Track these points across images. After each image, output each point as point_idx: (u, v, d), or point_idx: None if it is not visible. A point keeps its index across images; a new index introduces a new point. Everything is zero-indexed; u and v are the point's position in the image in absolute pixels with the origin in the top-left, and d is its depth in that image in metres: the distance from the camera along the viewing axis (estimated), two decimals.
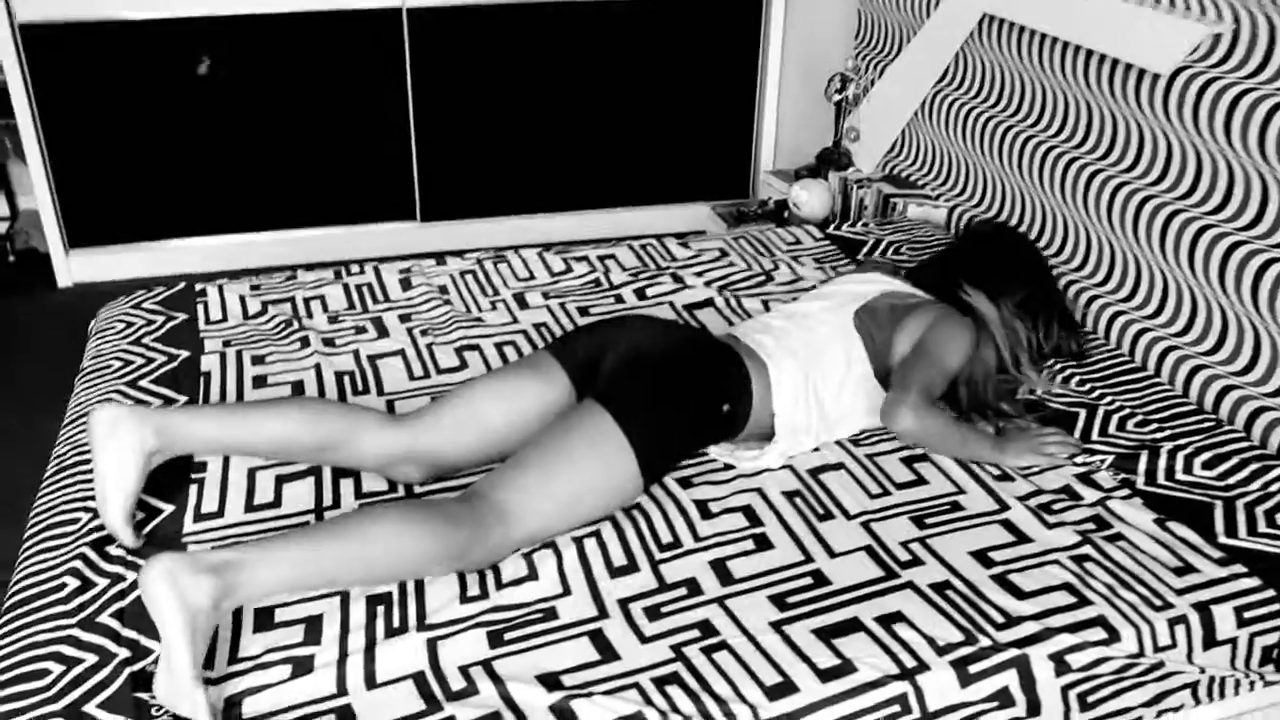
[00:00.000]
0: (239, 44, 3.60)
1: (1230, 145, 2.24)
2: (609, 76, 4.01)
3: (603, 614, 1.69)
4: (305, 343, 2.37)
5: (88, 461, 1.95)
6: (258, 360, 2.30)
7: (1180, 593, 1.77)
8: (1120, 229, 2.58)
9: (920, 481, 2.03)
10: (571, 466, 1.81)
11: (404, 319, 2.51)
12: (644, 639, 1.64)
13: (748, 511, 1.93)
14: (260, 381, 2.23)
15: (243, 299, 2.55)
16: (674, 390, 1.97)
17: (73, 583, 1.72)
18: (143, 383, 2.22)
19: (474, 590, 1.72)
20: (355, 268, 2.73)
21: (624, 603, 1.71)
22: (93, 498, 1.85)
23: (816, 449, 2.10)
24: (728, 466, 2.04)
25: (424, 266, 2.76)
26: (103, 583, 1.71)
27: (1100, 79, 2.58)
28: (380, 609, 1.67)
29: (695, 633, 1.66)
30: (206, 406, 1.91)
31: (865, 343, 2.16)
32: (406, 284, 2.66)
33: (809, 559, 1.82)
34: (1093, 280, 2.68)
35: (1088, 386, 2.35)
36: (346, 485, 1.93)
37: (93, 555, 1.76)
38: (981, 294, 2.25)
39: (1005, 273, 2.34)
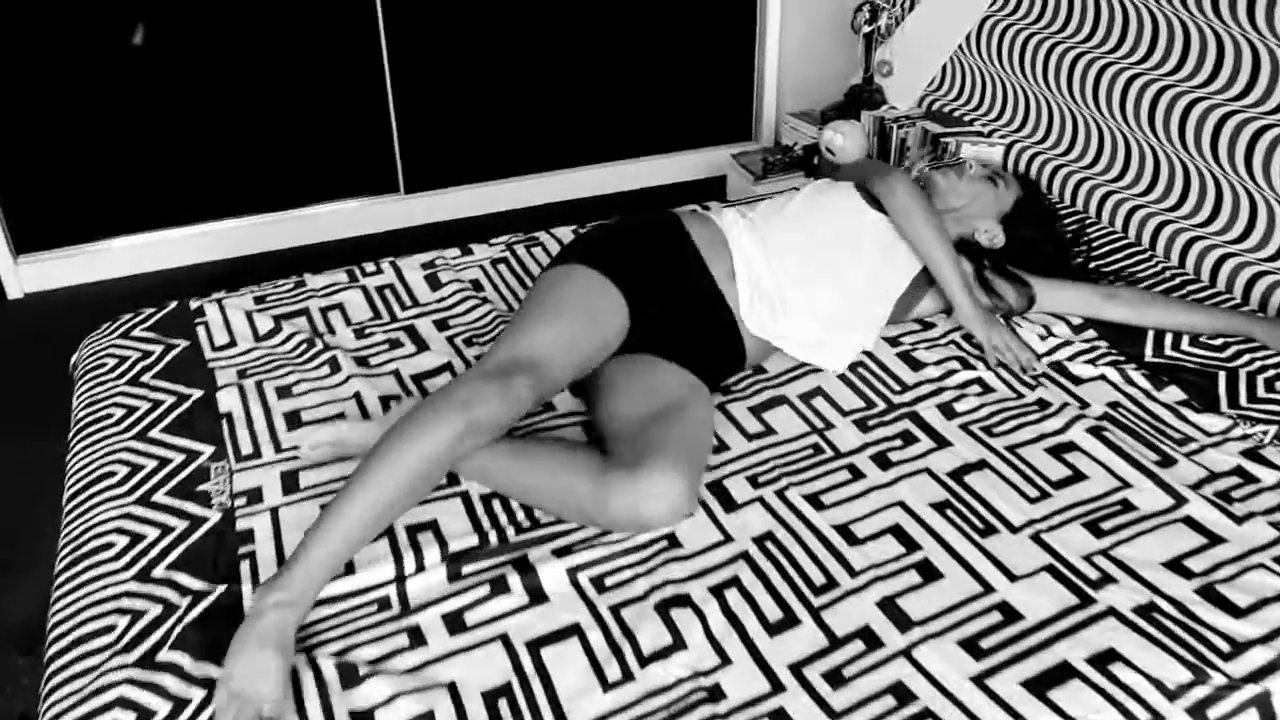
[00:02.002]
0: (184, 5, 3.18)
1: None
2: (595, 19, 3.65)
3: (777, 688, 1.41)
4: (335, 365, 2.04)
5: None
6: (284, 393, 1.97)
7: None
8: (1206, 154, 2.33)
9: (1079, 477, 1.78)
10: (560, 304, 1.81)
11: (440, 325, 2.19)
12: (835, 715, 1.37)
13: (898, 532, 1.67)
14: (294, 421, 1.90)
15: (249, 316, 2.20)
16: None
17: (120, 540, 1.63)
18: (154, 433, 1.88)
19: (613, 672, 1.43)
20: (370, 266, 2.38)
21: (797, 669, 1.44)
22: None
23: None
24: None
25: (448, 258, 2.42)
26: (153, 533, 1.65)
27: None
28: (503, 704, 1.39)
29: (890, 700, 1.39)
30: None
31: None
32: (434, 281, 2.33)
33: (988, 588, 1.57)
34: (1181, 213, 2.43)
35: (1220, 343, 2.10)
36: (425, 543, 1.63)
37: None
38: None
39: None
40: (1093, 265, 2.37)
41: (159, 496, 1.73)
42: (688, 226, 2.04)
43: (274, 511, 1.69)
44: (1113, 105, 2.56)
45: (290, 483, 1.75)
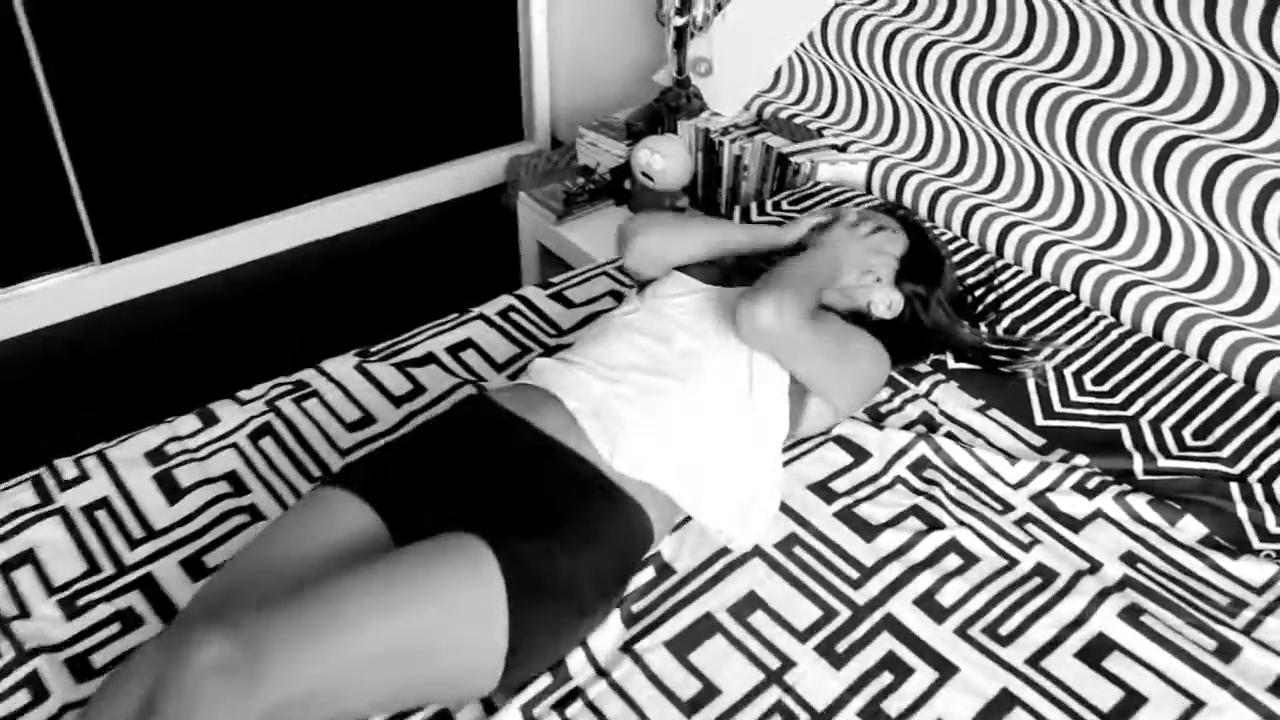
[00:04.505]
0: None
1: None
2: (321, 21, 2.88)
3: None
4: (38, 689, 1.31)
5: None
6: None
7: None
8: (1118, 169, 1.92)
9: (1135, 700, 1.34)
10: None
11: (193, 566, 1.48)
12: None
13: None
14: None
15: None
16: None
17: None
18: None
19: None
20: (70, 468, 1.62)
21: None
22: None
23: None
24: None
25: (183, 435, 1.69)
26: None
27: None
28: None
29: None
30: None
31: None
32: (170, 485, 1.60)
33: None
34: (1072, 233, 2.02)
35: (1216, 439, 1.69)
36: None
37: None
38: None
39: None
40: (993, 306, 1.94)
41: None
42: (493, 396, 1.53)
43: None
44: (994, 109, 2.10)
45: None
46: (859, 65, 2.34)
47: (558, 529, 1.32)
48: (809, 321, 1.50)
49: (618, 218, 2.55)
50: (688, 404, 1.49)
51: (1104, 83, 1.93)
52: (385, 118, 3.14)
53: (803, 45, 2.42)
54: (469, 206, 3.34)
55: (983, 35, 2.09)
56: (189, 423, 1.71)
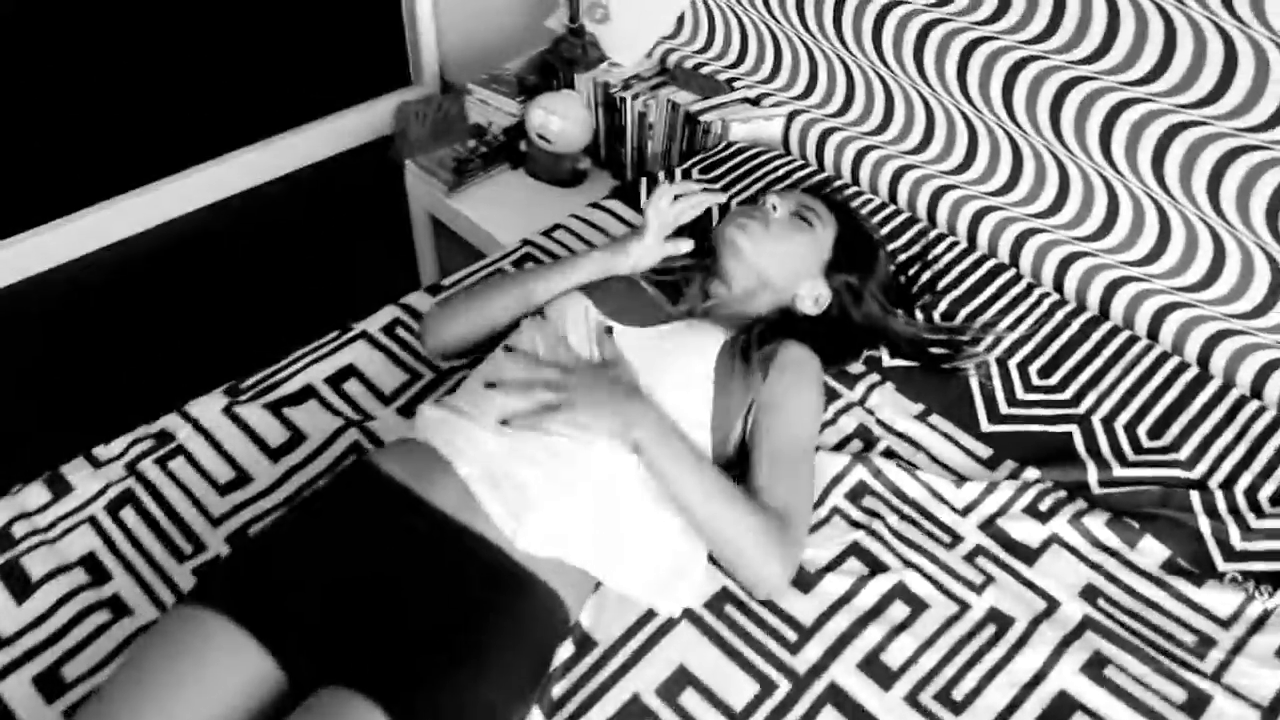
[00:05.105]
0: None
1: None
2: None
3: None
4: None
5: None
6: None
7: None
8: (1059, 132, 1.76)
9: None
10: None
11: (48, 682, 1.29)
12: None
13: None
14: None
15: None
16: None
17: None
18: None
19: None
20: None
21: None
22: None
23: None
24: None
25: (31, 509, 1.47)
26: None
27: None
28: None
29: None
30: None
31: None
32: (16, 580, 1.39)
33: None
34: (1010, 199, 1.87)
35: (1170, 440, 1.57)
36: None
37: None
38: None
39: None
40: (929, 286, 1.79)
41: None
42: (380, 464, 1.31)
43: None
44: (921, 63, 1.90)
45: None
46: (769, 11, 2.11)
47: (464, 656, 1.15)
48: (806, 527, 1.38)
49: (515, 184, 2.34)
50: (598, 460, 1.31)
51: (1042, 38, 1.74)
52: (248, 71, 2.84)
53: None
54: (353, 164, 3.07)
55: None
56: (37, 494, 1.48)
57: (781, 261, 1.54)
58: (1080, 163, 1.78)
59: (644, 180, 2.02)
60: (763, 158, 2.07)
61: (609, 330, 1.43)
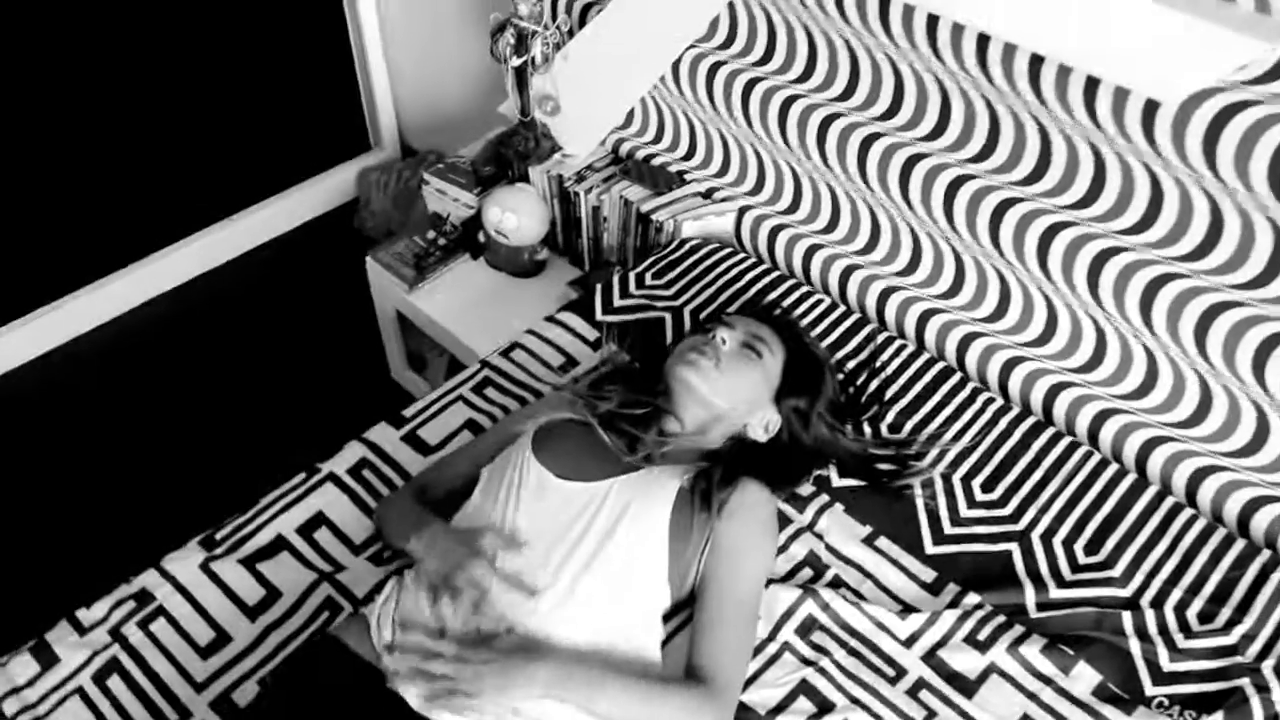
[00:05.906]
0: None
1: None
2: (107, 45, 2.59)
3: None
4: None
5: None
6: None
7: None
8: (999, 246, 1.81)
9: None
10: None
11: None
12: None
13: None
14: None
15: None
16: None
17: None
18: None
19: None
20: None
21: None
22: None
23: None
24: None
25: None
26: None
27: (937, 41, 1.70)
28: None
29: None
30: None
31: None
32: None
33: None
34: (957, 305, 1.92)
35: (1105, 556, 1.64)
36: None
37: None
38: None
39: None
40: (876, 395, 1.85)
41: None
42: (349, 643, 1.44)
43: None
44: (864, 172, 1.95)
45: None
46: (718, 114, 2.16)
47: None
48: (738, 686, 1.44)
49: (475, 275, 2.39)
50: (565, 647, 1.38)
51: (980, 157, 1.79)
52: (206, 150, 2.84)
53: (657, 86, 2.23)
54: (319, 230, 3.09)
55: (848, 94, 1.92)
56: (24, 666, 1.54)
57: (733, 395, 1.60)
58: (1019, 274, 1.84)
59: (599, 288, 2.08)
60: (715, 256, 2.12)
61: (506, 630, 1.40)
